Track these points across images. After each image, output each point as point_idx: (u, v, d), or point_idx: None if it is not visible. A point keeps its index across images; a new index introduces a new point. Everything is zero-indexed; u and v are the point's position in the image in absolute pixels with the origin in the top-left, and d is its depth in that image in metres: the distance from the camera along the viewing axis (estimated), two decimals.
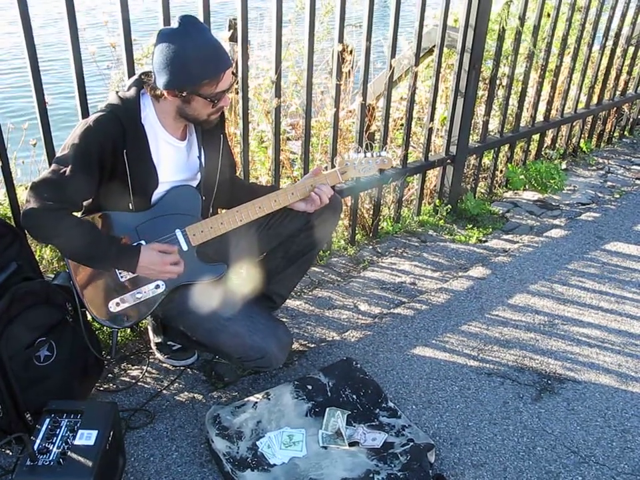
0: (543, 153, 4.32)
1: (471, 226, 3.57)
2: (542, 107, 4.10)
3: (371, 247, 3.35)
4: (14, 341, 1.92)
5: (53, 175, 1.87)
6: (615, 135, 4.93)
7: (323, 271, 3.10)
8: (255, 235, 2.31)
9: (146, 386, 2.32)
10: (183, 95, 1.89)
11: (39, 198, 1.86)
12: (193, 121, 2.01)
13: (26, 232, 2.11)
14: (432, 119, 3.40)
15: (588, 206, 3.88)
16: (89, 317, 2.17)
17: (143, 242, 2.03)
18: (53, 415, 1.80)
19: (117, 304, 2.05)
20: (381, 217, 3.45)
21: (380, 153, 2.26)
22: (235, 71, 1.97)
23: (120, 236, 2.01)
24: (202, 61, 1.85)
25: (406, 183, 3.50)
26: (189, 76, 1.86)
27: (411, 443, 2.01)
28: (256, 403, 2.14)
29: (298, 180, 2.47)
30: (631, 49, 4.55)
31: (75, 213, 1.99)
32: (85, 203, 2.03)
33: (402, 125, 3.61)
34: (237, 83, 2.63)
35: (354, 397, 2.21)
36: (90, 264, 2.00)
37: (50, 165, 2.17)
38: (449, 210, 3.64)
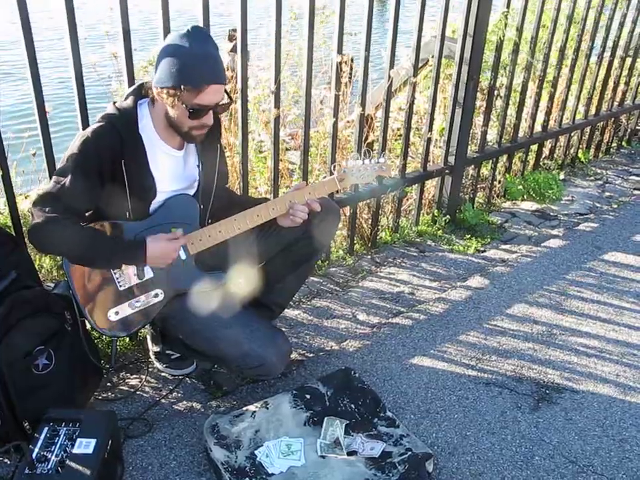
0: (541, 163, 4.34)
1: (469, 236, 3.58)
2: (540, 118, 4.13)
3: (369, 256, 3.36)
4: (12, 348, 1.92)
5: (53, 188, 1.90)
6: (613, 145, 4.95)
7: (321, 280, 3.11)
8: (254, 243, 2.32)
9: (144, 395, 2.32)
10: (168, 95, 1.89)
11: (42, 212, 1.87)
12: (175, 129, 1.99)
13: (26, 241, 2.12)
14: (430, 129, 3.42)
15: (586, 216, 3.89)
16: (88, 326, 2.17)
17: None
18: (51, 424, 1.80)
19: (116, 313, 2.05)
20: (379, 227, 3.46)
21: (378, 160, 2.26)
22: (228, 90, 1.97)
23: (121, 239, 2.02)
24: (189, 67, 1.86)
25: (404, 193, 3.51)
26: (173, 77, 1.86)
27: (409, 453, 2.01)
28: (254, 412, 2.14)
29: None
30: (629, 60, 4.58)
31: None
32: (87, 213, 2.04)
33: (400, 135, 3.63)
34: (236, 92, 2.65)
35: (352, 406, 2.21)
36: (98, 265, 2.01)
37: (50, 174, 2.19)
38: (447, 220, 3.65)
